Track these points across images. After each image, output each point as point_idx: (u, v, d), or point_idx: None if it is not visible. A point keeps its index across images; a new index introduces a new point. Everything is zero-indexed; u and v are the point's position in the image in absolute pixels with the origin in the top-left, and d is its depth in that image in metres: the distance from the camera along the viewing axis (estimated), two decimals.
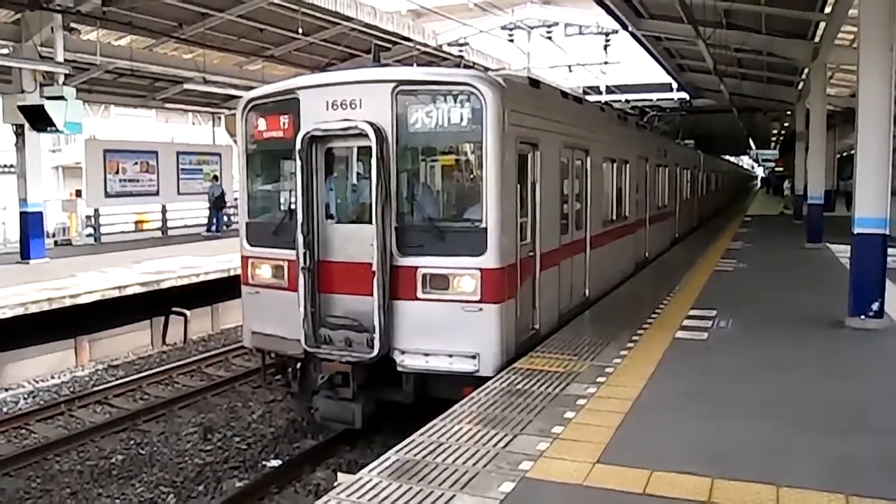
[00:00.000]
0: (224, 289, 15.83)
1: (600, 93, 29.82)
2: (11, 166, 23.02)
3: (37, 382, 12.96)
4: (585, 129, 11.27)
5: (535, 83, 9.92)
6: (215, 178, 26.09)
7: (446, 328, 7.82)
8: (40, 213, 17.83)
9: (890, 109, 9.36)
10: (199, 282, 15.76)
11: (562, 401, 6.64)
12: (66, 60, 15.87)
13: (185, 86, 20.82)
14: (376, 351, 7.84)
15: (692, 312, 10.50)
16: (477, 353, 7.74)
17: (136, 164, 23.91)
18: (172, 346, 15.58)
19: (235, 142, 13.09)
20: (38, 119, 15.41)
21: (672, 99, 32.41)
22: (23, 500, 8.39)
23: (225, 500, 7.89)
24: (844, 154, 38.76)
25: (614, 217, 13.34)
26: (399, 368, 8.05)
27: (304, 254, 8.21)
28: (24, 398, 12.18)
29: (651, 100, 31.69)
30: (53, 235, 24.21)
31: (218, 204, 25.76)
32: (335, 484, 6.56)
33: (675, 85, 29.85)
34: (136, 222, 27.08)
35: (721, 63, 20.30)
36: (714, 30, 16.19)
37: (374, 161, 7.79)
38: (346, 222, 8.62)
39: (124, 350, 14.87)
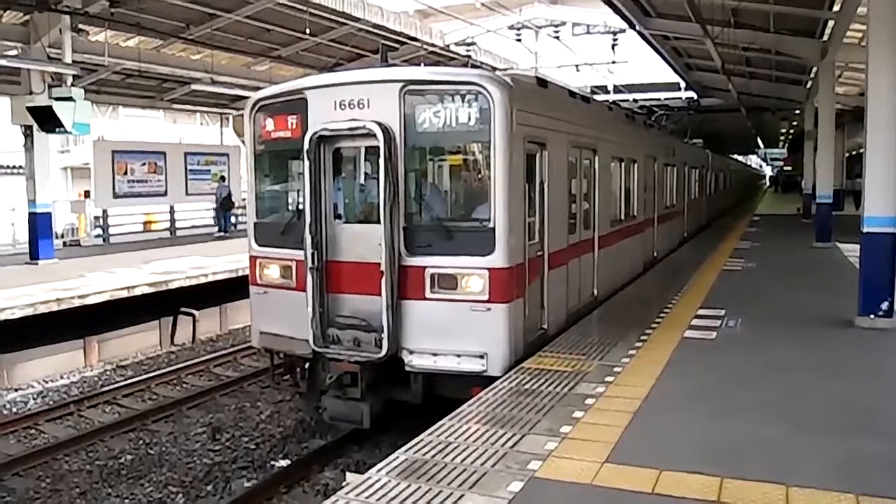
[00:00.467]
0: (232, 289, 15.86)
1: (608, 92, 29.75)
2: (20, 167, 23.16)
3: (46, 382, 13.01)
4: (593, 129, 11.25)
5: (542, 83, 9.92)
6: (222, 178, 26.15)
7: (454, 328, 7.82)
8: (49, 214, 17.92)
9: None
10: (207, 282, 15.80)
11: (570, 400, 6.63)
12: (74, 62, 15.93)
13: (193, 86, 20.84)
14: (384, 351, 7.84)
15: (701, 312, 10.47)
16: (485, 353, 7.73)
17: (144, 164, 24.00)
18: (181, 346, 15.63)
19: (243, 142, 13.13)
20: (47, 120, 15.47)
21: (680, 98, 32.32)
22: (32, 499, 8.43)
23: (234, 500, 7.91)
24: (853, 153, 38.62)
25: (622, 216, 13.32)
26: (407, 368, 8.05)
27: (313, 254, 8.22)
28: (34, 398, 12.24)
29: (659, 99, 31.60)
30: (62, 236, 24.29)
31: (226, 205, 25.80)
32: (343, 483, 6.57)
33: (682, 84, 29.78)
34: (145, 223, 27.16)
35: (729, 62, 20.24)
36: (722, 28, 16.14)
37: (382, 161, 7.80)
38: (355, 222, 8.63)
39: (133, 350, 14.92)
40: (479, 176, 8.24)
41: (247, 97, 10.04)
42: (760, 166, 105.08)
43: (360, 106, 8.07)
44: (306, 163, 8.18)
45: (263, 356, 11.96)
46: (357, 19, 18.92)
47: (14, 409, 11.65)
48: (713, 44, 16.75)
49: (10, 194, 28.35)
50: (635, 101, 29.55)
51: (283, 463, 8.99)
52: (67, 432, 10.45)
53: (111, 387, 12.34)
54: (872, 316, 9.47)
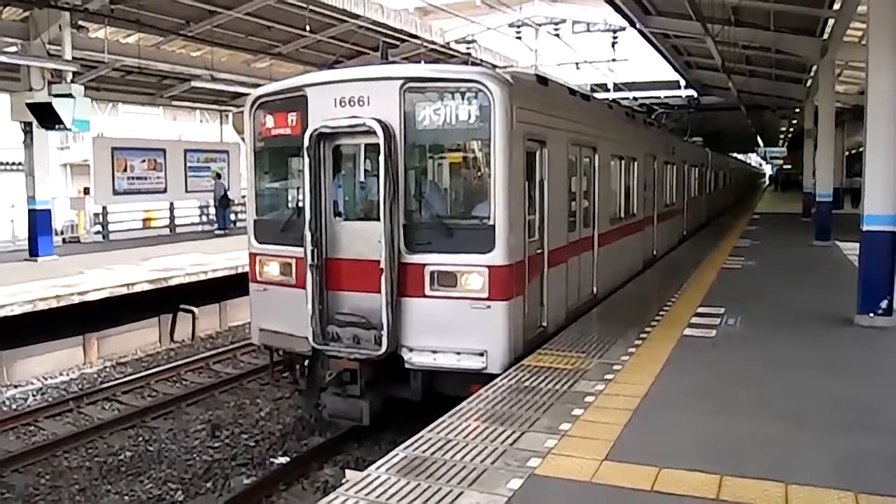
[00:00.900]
0: (232, 286, 15.86)
1: (608, 90, 29.75)
2: (19, 164, 23.13)
3: (45, 379, 13.01)
4: (593, 127, 11.25)
5: (542, 80, 9.90)
6: (217, 175, 26.09)
7: (454, 325, 7.81)
8: (48, 211, 17.89)
9: None
10: (206, 279, 15.80)
11: (570, 398, 6.63)
12: (74, 58, 15.92)
13: (193, 83, 20.81)
14: (384, 348, 7.84)
15: (700, 310, 10.47)
16: (485, 351, 7.73)
17: (143, 161, 23.97)
18: (180, 343, 15.63)
19: (243, 139, 13.11)
20: (47, 117, 15.46)
21: (680, 96, 32.31)
22: (32, 496, 8.42)
23: (233, 497, 7.91)
24: (853, 151, 38.62)
25: (622, 215, 13.32)
26: (407, 365, 8.04)
27: (312, 251, 8.21)
28: (33, 395, 12.24)
29: (659, 97, 31.57)
30: (61, 233, 24.26)
31: (224, 202, 25.79)
32: (343, 481, 6.56)
33: (682, 82, 29.78)
34: (144, 220, 27.16)
35: (729, 60, 20.24)
36: (722, 27, 16.14)
37: (382, 158, 7.79)
38: (354, 219, 8.61)
39: (132, 347, 14.93)
40: (479, 173, 8.24)
41: (247, 94, 10.01)
42: (760, 165, 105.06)
43: (361, 103, 8.06)
44: (306, 160, 8.17)
45: (263, 353, 11.95)
46: (357, 16, 18.92)
47: (14, 406, 11.66)
48: (713, 42, 16.74)
49: (10, 191, 28.33)
50: (635, 99, 29.51)
51: (283, 460, 8.98)
52: (67, 429, 10.45)
53: (111, 383, 12.35)
54: (872, 314, 9.47)
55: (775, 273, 14.63)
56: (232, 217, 27.45)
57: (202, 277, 15.70)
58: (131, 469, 9.03)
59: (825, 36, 18.15)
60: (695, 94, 30.96)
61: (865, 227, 9.58)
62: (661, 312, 10.38)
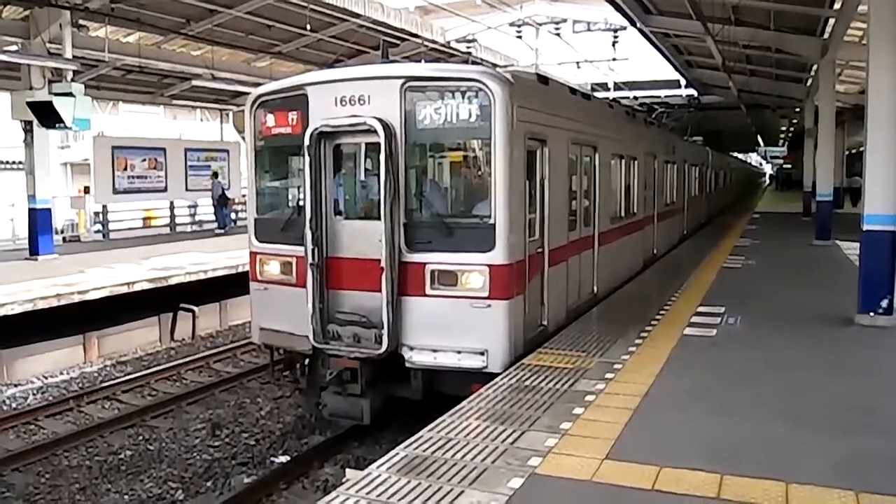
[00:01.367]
0: (232, 285, 15.86)
1: (608, 89, 29.77)
2: (20, 163, 23.13)
3: (45, 378, 13.02)
4: (593, 126, 11.24)
5: (543, 79, 9.90)
6: (215, 175, 26.06)
7: (455, 324, 7.81)
8: (49, 210, 17.90)
9: None
10: (207, 278, 15.80)
11: (570, 397, 6.63)
12: (74, 57, 15.93)
13: (194, 82, 20.82)
14: (385, 347, 7.84)
15: (700, 309, 10.47)
16: (485, 350, 7.73)
17: (144, 160, 23.97)
18: (181, 342, 15.63)
19: (243, 138, 13.11)
20: (47, 115, 15.46)
21: (680, 95, 32.31)
22: (32, 495, 8.42)
23: (233, 496, 7.90)
24: (854, 151, 38.61)
25: (622, 214, 13.32)
26: (407, 364, 8.04)
27: (313, 250, 8.21)
28: (33, 394, 12.24)
29: (659, 96, 31.58)
30: (62, 232, 24.26)
31: (222, 201, 25.79)
32: (343, 480, 6.56)
33: (683, 81, 29.80)
34: (144, 219, 27.16)
35: (729, 59, 20.25)
36: (723, 26, 16.16)
37: (382, 157, 7.79)
38: (355, 218, 8.61)
39: (133, 346, 14.94)
40: (480, 172, 8.24)
41: (247, 93, 10.01)
42: (760, 164, 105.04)
43: (361, 102, 8.07)
44: (307, 159, 8.17)
45: (263, 352, 11.94)
46: (358, 16, 18.92)
47: (14, 405, 11.66)
48: (714, 41, 16.75)
49: (10, 190, 28.33)
50: (636, 98, 29.50)
51: (283, 459, 8.98)
52: (67, 428, 10.45)
53: (111, 383, 12.34)
54: (872, 313, 9.47)
55: (775, 272, 14.63)
56: (232, 216, 27.45)
57: (202, 276, 15.69)
58: (131, 468, 9.03)
59: (826, 35, 18.14)
60: (695, 93, 30.95)
61: (866, 227, 9.58)
62: (662, 312, 10.38)
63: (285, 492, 8.08)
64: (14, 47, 16.32)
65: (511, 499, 4.68)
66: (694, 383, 7.10)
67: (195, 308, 15.62)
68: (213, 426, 10.25)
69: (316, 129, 8.15)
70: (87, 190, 25.88)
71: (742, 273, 14.29)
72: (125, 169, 23.22)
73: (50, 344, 13.40)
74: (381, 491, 4.83)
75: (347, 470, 7.49)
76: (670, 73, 28.29)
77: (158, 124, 39.91)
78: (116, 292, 13.72)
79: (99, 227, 24.63)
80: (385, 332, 7.83)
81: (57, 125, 15.71)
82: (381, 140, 7.76)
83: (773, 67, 24.71)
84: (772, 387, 6.97)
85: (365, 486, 4.93)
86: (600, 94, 24.62)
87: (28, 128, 16.96)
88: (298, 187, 8.74)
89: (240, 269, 15.61)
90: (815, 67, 21.84)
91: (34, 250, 17.51)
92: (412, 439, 5.75)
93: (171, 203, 26.29)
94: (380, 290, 7.84)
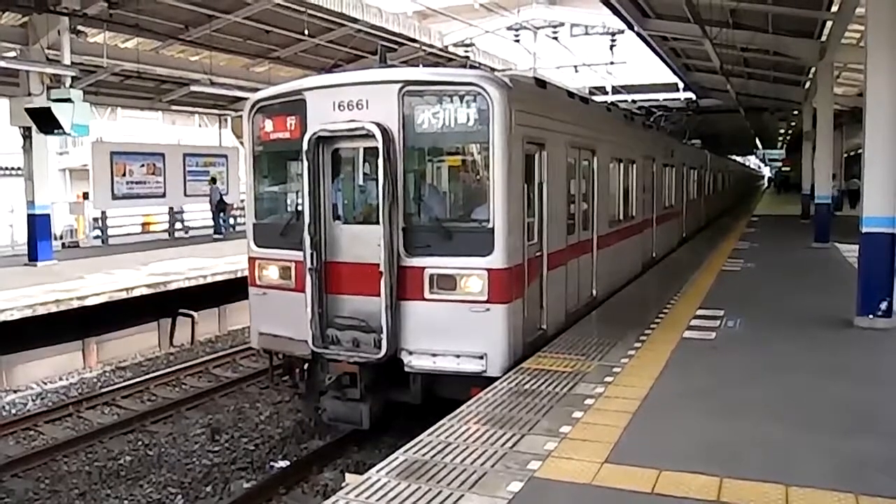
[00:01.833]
0: (231, 290, 15.85)
1: (606, 93, 29.75)
2: (19, 168, 23.13)
3: (45, 384, 13.01)
4: (592, 130, 11.26)
5: (541, 83, 9.91)
6: (213, 180, 26.07)
7: (454, 328, 7.81)
8: (48, 216, 17.90)
9: None
10: (206, 283, 15.79)
11: (569, 400, 6.63)
12: (72, 63, 15.94)
13: (192, 88, 20.81)
14: (384, 351, 7.84)
15: (700, 312, 10.47)
16: (484, 354, 7.73)
17: (142, 166, 23.97)
18: (180, 347, 15.63)
19: (242, 143, 13.11)
20: (46, 121, 15.46)
21: (678, 99, 32.33)
22: (31, 500, 8.43)
23: (233, 501, 7.90)
24: (852, 153, 38.65)
25: (621, 217, 13.32)
26: (406, 369, 8.04)
27: (312, 254, 8.21)
28: (33, 399, 12.23)
29: (657, 100, 31.63)
30: (61, 237, 24.27)
31: (220, 206, 25.79)
32: (343, 484, 6.58)
33: (681, 85, 29.80)
34: (143, 224, 27.16)
35: (727, 62, 20.27)
36: (720, 29, 16.15)
37: (380, 161, 7.80)
38: (354, 223, 8.62)
39: (132, 351, 14.92)
40: (478, 176, 8.24)
41: (245, 98, 10.02)
42: (759, 167, 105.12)
43: (359, 107, 8.07)
44: (305, 164, 8.17)
45: (262, 357, 11.96)
46: (356, 20, 18.94)
47: (13, 411, 11.64)
48: (712, 44, 16.76)
49: (9, 196, 28.33)
50: (634, 101, 29.58)
51: (283, 464, 8.98)
52: (66, 433, 10.45)
53: (110, 388, 12.33)
54: (871, 316, 9.47)
55: (774, 275, 14.63)
56: (231, 221, 27.44)
57: (201, 282, 15.69)
58: (131, 473, 9.02)
59: (823, 38, 18.18)
60: (693, 96, 30.99)
61: (864, 229, 9.58)
62: (661, 315, 10.38)
63: (285, 497, 8.07)
64: (12, 53, 16.31)
65: (511, 502, 4.67)
66: (693, 386, 7.10)
67: (194, 313, 15.62)
68: (212, 431, 10.24)
69: (314, 133, 8.16)
70: (85, 195, 25.90)
71: (741, 276, 14.29)
72: (124, 174, 23.21)
73: (49, 350, 13.40)
74: (381, 495, 4.83)
75: (347, 474, 7.52)
76: (668, 77, 28.31)
77: (157, 130, 39.96)
78: (115, 298, 13.71)
79: (98, 232, 24.62)
80: (384, 336, 7.83)
81: (55, 131, 15.70)
82: (380, 144, 7.77)
83: (771, 70, 24.75)
84: (771, 389, 6.96)
85: (364, 490, 4.92)
86: (598, 98, 24.65)
87: (27, 134, 16.97)
88: (297, 192, 8.73)
89: (239, 275, 15.59)
90: (813, 70, 21.87)
91: (33, 256, 17.49)
92: (412, 443, 5.74)
93: (171, 208, 26.27)
94: (379, 295, 7.84)
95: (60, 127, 15.40)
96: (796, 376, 7.36)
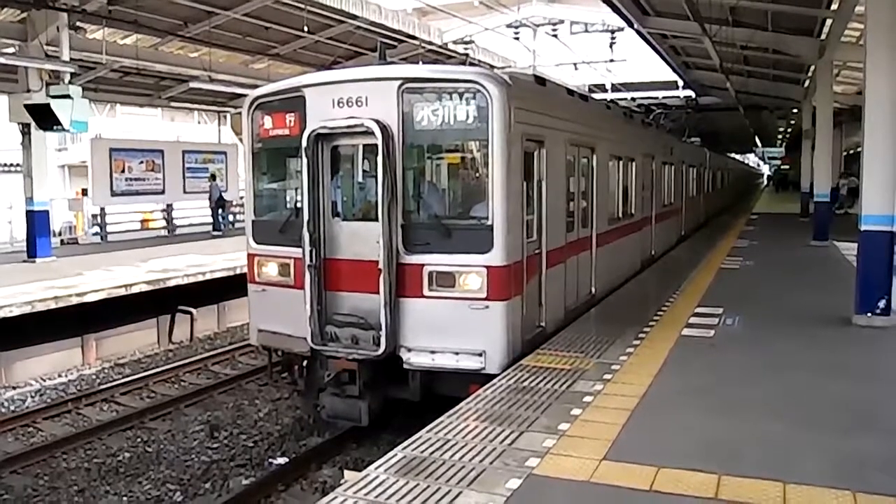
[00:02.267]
0: (230, 287, 15.85)
1: (606, 91, 29.73)
2: (17, 165, 23.12)
3: (44, 381, 13.00)
4: (591, 127, 11.25)
5: (540, 81, 9.91)
6: (213, 177, 26.06)
7: (453, 326, 7.81)
8: (46, 212, 17.90)
9: None
10: (204, 280, 15.79)
11: (568, 398, 6.64)
12: (71, 59, 15.93)
13: (191, 84, 20.78)
14: (383, 348, 7.84)
15: (698, 310, 10.47)
16: (483, 351, 7.73)
17: (141, 162, 23.97)
18: (179, 344, 15.60)
19: (241, 140, 13.12)
20: (45, 118, 15.45)
21: (678, 97, 32.32)
22: (31, 497, 8.42)
23: (231, 498, 7.90)
24: (851, 152, 38.67)
25: (620, 215, 13.33)
26: (405, 366, 8.04)
27: (311, 252, 8.21)
28: (32, 396, 12.23)
29: (657, 97, 31.60)
30: (60, 234, 24.24)
31: (219, 203, 25.78)
32: (342, 481, 6.56)
33: (680, 83, 29.79)
34: (142, 221, 27.15)
35: (727, 60, 20.24)
36: (720, 27, 16.16)
37: (380, 159, 7.79)
38: (353, 220, 8.61)
39: (131, 348, 14.91)
40: (477, 174, 8.23)
41: (245, 95, 10.01)
42: (758, 165, 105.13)
43: (359, 104, 8.07)
44: (304, 160, 8.17)
45: (261, 354, 11.94)
46: (355, 17, 18.94)
47: (12, 408, 11.64)
48: (711, 42, 16.74)
49: (8, 192, 28.30)
50: (633, 99, 29.55)
51: (281, 461, 8.98)
52: (65, 430, 10.44)
53: (109, 385, 12.34)
54: (870, 314, 9.48)
55: (773, 273, 14.64)
56: (230, 218, 27.42)
57: (200, 279, 15.68)
58: (130, 470, 9.02)
59: (823, 36, 18.17)
60: (693, 94, 30.97)
61: (863, 227, 9.59)
62: (660, 312, 10.39)
63: (284, 493, 8.08)
64: (11, 49, 16.32)
65: (509, 500, 4.68)
66: (692, 384, 7.10)
67: (193, 310, 15.61)
68: (211, 428, 10.24)
69: (313, 130, 8.15)
70: (84, 192, 25.86)
71: (740, 274, 14.29)
72: (123, 171, 23.20)
73: (48, 346, 13.39)
74: (380, 492, 4.83)
75: (346, 471, 7.51)
76: (668, 75, 28.31)
77: (156, 126, 39.96)
78: (114, 294, 13.71)
79: (97, 229, 24.60)
80: (383, 333, 7.83)
81: (54, 127, 15.69)
82: (379, 141, 7.77)
83: (770, 68, 24.74)
84: (770, 387, 6.97)
85: (363, 487, 4.93)
86: (598, 96, 24.65)
87: (25, 130, 16.95)
88: (296, 189, 8.72)
89: (238, 272, 15.60)
90: (812, 68, 21.87)
91: (32, 253, 17.50)
92: (410, 440, 5.75)
93: (170, 205, 26.26)
94: (378, 292, 7.84)
95: (59, 123, 15.39)
96: (795, 374, 7.37)
